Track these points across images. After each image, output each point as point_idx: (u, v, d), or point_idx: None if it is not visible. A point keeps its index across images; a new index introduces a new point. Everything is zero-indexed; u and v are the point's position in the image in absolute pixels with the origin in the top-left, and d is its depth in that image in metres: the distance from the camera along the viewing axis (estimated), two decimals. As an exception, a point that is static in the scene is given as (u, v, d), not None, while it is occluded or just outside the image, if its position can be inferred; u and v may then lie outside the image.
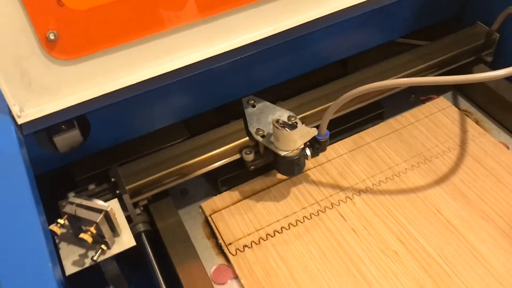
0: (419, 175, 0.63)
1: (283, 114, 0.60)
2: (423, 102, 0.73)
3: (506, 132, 0.68)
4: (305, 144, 0.58)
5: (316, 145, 0.59)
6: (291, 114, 0.60)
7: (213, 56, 0.55)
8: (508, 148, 0.66)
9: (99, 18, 0.47)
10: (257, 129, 0.60)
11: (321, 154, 0.63)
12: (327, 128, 0.59)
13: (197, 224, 0.61)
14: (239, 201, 0.62)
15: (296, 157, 0.57)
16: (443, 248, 0.56)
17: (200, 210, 0.62)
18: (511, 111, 0.67)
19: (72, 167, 0.61)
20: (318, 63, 0.70)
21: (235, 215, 0.61)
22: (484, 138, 0.66)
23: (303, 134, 0.56)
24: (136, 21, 0.49)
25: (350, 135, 0.68)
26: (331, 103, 0.56)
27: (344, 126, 0.69)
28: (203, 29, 0.53)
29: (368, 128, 0.69)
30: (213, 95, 0.64)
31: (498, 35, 0.69)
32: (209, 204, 0.62)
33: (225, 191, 0.63)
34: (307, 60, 0.68)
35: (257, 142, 0.60)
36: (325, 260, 0.56)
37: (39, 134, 0.55)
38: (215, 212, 0.61)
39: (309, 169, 0.64)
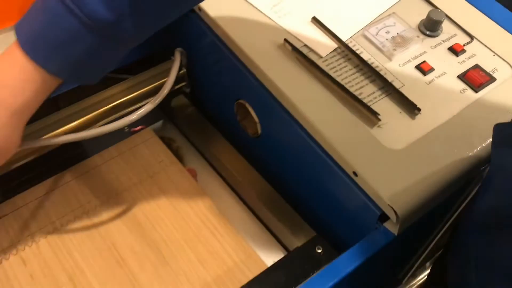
0: (106, 211, 0.68)
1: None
2: (134, 133, 0.78)
3: (199, 159, 0.75)
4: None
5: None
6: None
7: None
8: (195, 173, 0.73)
9: None
10: None
11: (19, 197, 0.68)
12: None
13: None
14: None
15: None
16: (107, 283, 0.61)
17: None
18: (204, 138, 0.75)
19: None
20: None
21: None
22: (174, 166, 0.73)
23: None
24: None
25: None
26: None
27: (45, 169, 0.72)
28: None
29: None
30: None
31: (185, 69, 0.75)
32: None
33: None
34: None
35: None
36: (-5, 306, 0.59)
37: None
38: None
39: (5, 215, 0.67)
